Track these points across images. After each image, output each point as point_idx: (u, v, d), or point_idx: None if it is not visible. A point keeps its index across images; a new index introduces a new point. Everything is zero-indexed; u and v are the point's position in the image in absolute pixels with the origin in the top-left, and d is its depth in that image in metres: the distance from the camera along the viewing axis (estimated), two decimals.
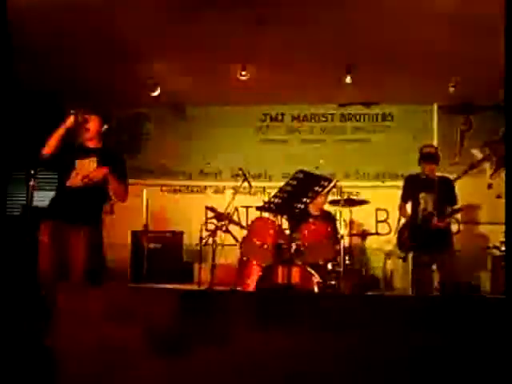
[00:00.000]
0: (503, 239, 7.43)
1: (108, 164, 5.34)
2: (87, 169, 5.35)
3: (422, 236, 6.39)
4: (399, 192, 7.09)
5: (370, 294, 7.40)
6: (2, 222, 4.89)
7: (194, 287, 7.61)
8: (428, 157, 6.56)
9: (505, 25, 3.57)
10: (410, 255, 6.63)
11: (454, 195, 6.56)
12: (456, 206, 6.49)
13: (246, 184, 7.71)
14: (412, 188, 6.63)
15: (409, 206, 6.77)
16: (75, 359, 3.72)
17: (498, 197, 7.74)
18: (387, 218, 8.90)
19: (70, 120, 5.38)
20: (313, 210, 7.06)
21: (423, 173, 6.59)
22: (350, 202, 7.42)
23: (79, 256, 5.26)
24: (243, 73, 7.69)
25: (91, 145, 5.49)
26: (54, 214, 5.35)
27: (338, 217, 7.24)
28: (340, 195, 7.29)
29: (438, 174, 6.62)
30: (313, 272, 6.27)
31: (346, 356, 3.47)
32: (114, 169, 5.35)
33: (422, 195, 6.48)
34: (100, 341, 3.71)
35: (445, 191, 6.44)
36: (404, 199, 6.72)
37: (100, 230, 5.65)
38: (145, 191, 8.20)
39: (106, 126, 5.56)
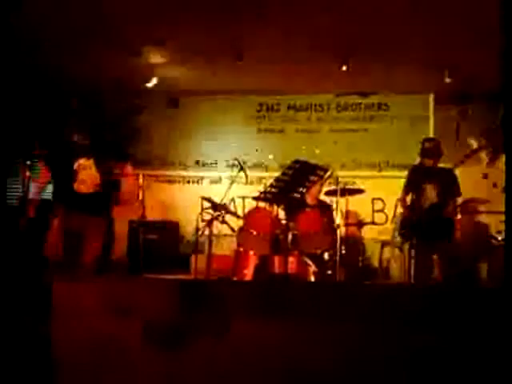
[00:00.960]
0: (500, 229, 7.45)
1: (104, 158, 5.43)
2: (89, 175, 5.44)
3: (424, 226, 6.43)
4: (396, 181, 7.08)
5: (367, 283, 7.41)
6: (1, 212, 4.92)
7: (191, 278, 7.60)
8: (428, 153, 6.62)
9: (501, 20, 3.56)
10: (407, 245, 6.65)
11: (457, 186, 6.58)
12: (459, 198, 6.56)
13: (242, 174, 7.70)
14: (416, 179, 6.65)
15: (409, 196, 6.79)
16: (73, 351, 3.72)
17: (495, 186, 7.74)
18: (384, 207, 8.89)
19: None
20: (309, 199, 7.06)
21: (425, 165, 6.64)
22: (346, 191, 7.40)
23: (94, 245, 5.39)
24: (239, 62, 7.65)
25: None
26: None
27: (334, 206, 7.24)
28: (336, 185, 7.27)
29: (441, 165, 6.65)
30: (309, 262, 6.28)
31: (345, 345, 3.48)
32: (115, 155, 5.46)
33: (425, 186, 6.52)
34: (98, 332, 3.71)
35: (448, 182, 6.47)
36: (407, 189, 6.73)
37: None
38: (141, 182, 8.18)
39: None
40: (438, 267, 6.63)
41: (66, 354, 3.72)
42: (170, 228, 8.86)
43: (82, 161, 5.58)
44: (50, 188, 9.48)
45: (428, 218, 6.44)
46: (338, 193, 6.82)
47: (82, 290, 3.84)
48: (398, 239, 6.93)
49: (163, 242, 8.64)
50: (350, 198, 7.48)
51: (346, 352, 3.47)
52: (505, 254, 3.37)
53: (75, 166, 5.58)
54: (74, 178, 5.56)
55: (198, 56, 7.69)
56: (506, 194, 3.37)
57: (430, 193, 6.50)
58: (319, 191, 7.21)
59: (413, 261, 6.49)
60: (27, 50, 7.09)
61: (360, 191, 7.70)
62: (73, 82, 8.54)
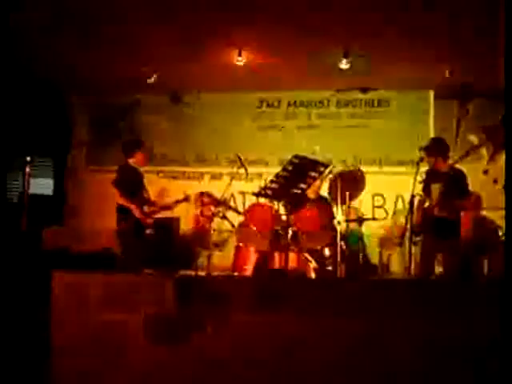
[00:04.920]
0: (500, 224, 7.46)
1: None
2: None
3: (428, 224, 6.48)
4: (396, 177, 7.06)
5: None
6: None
7: (192, 273, 7.61)
8: (427, 151, 6.69)
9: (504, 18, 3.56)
10: (407, 241, 6.68)
11: (464, 187, 6.59)
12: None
13: (242, 170, 7.70)
14: (428, 180, 6.71)
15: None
16: (73, 346, 3.73)
17: (495, 182, 7.75)
18: (384, 203, 8.91)
19: None
20: (309, 194, 7.05)
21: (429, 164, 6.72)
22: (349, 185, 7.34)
23: None
24: (239, 58, 7.64)
25: None
26: None
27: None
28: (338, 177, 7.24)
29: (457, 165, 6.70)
30: (309, 258, 6.29)
31: (344, 337, 3.49)
32: None
33: (432, 186, 6.57)
34: (98, 326, 3.73)
35: (454, 183, 6.49)
36: (423, 190, 6.79)
37: None
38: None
39: None
40: (442, 264, 6.67)
41: (65, 344, 3.74)
42: (170, 223, 8.84)
43: None
44: (50, 184, 9.52)
45: (429, 217, 6.49)
46: (339, 189, 6.80)
47: (83, 285, 3.85)
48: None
49: (163, 238, 8.62)
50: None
51: (344, 344, 3.48)
52: (505, 249, 3.38)
53: None
54: None
55: (200, 53, 7.68)
56: (505, 191, 3.38)
57: (435, 192, 6.54)
58: (320, 186, 7.21)
59: (413, 257, 6.52)
60: (25, 45, 7.10)
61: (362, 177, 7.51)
62: (73, 77, 8.55)
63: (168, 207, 7.74)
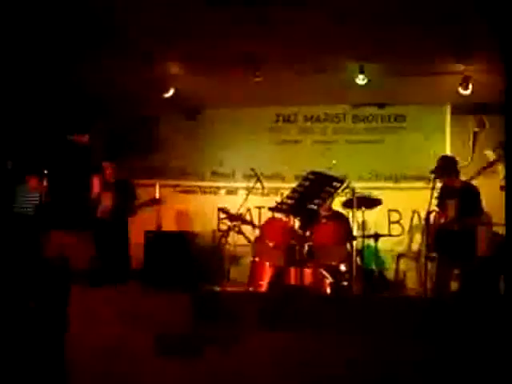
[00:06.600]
0: None
1: None
2: None
3: (444, 240, 6.46)
4: (412, 193, 7.01)
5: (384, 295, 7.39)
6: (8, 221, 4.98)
7: (207, 288, 7.62)
8: (438, 170, 6.65)
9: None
10: (423, 258, 6.67)
11: (478, 202, 6.57)
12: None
13: (258, 185, 7.72)
14: (442, 196, 6.69)
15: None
16: (86, 362, 3.75)
17: None
18: (400, 219, 8.88)
19: None
20: (321, 210, 7.02)
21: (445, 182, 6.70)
22: (363, 202, 7.39)
23: None
24: (257, 74, 7.67)
25: None
26: None
27: (350, 218, 7.24)
28: (353, 196, 7.25)
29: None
30: (325, 273, 6.28)
31: (359, 359, 3.49)
32: None
33: (447, 202, 6.55)
34: (111, 343, 3.74)
35: (467, 198, 6.47)
36: (438, 206, 6.77)
37: None
38: (158, 192, 8.22)
39: None
40: (458, 281, 6.64)
41: (79, 360, 3.75)
42: (186, 238, 8.87)
43: None
44: None
45: (445, 233, 6.47)
46: (355, 204, 6.81)
47: (97, 301, 3.87)
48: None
49: (179, 252, 8.64)
50: (366, 210, 7.48)
51: (362, 366, 3.48)
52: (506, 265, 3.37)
53: None
54: None
55: (216, 68, 7.72)
56: (505, 208, 3.38)
57: (450, 209, 6.52)
58: (331, 202, 7.20)
59: (429, 274, 6.50)
60: (46, 61, 7.16)
61: (377, 202, 7.70)
62: (90, 92, 8.61)
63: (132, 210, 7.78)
